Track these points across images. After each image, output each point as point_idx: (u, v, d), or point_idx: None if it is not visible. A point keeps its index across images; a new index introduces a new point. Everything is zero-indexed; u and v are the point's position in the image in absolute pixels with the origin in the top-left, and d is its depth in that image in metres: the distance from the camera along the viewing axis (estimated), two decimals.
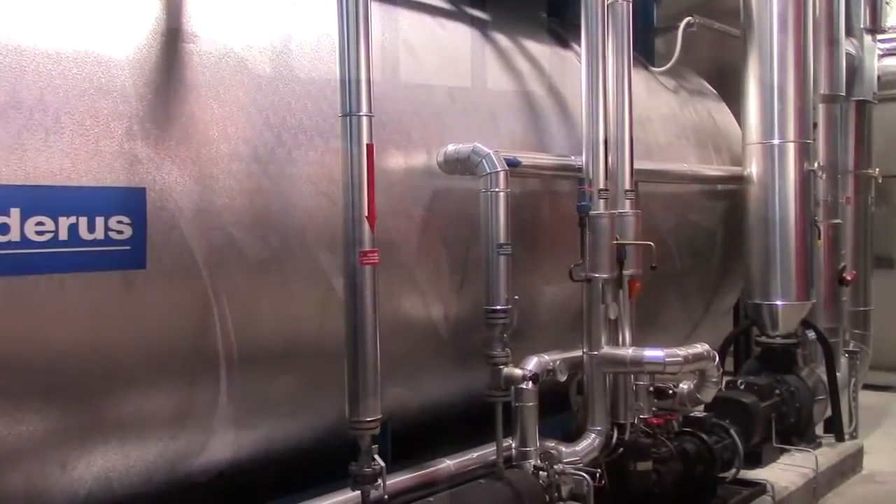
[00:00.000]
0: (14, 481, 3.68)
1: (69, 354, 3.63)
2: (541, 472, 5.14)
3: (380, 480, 4.24)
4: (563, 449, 5.54)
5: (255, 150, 4.25)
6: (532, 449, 5.27)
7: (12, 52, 3.49)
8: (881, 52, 10.00)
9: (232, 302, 4.14)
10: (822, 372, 8.09)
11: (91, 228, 3.58)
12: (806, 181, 7.67)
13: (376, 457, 4.21)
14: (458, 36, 6.03)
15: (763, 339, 7.85)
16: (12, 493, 3.69)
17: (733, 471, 6.41)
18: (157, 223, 3.81)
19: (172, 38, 4.07)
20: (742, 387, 7.26)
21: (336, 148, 4.31)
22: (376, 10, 4.63)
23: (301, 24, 4.78)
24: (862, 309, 9.36)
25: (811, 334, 8.07)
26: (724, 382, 6.58)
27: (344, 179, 4.17)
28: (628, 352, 5.80)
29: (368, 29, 4.18)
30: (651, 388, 6.04)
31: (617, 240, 5.79)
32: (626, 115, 6.15)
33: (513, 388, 5.17)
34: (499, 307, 5.05)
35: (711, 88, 9.12)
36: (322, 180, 4.49)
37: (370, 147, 4.16)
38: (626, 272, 5.84)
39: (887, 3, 10.03)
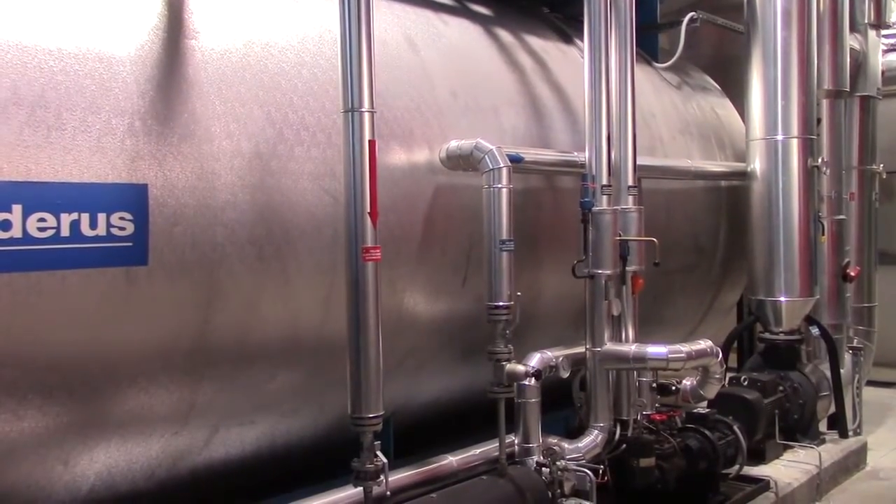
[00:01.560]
0: (17, 477, 3.69)
1: (71, 351, 3.63)
2: (543, 469, 5.13)
3: (382, 477, 4.24)
4: (566, 445, 5.54)
5: (257, 147, 4.24)
6: (535, 445, 5.27)
7: (14, 49, 3.49)
8: (885, 48, 9.93)
9: (234, 298, 4.15)
10: (825, 368, 8.07)
11: (93, 225, 3.58)
12: (809, 177, 7.65)
13: (378, 453, 4.21)
14: (460, 31, 6.02)
15: (767, 335, 7.83)
16: (15, 488, 3.69)
17: (736, 467, 6.39)
18: (160, 219, 3.81)
19: (174, 34, 4.07)
20: (745, 383, 7.24)
21: (338, 144, 4.30)
22: (378, 6, 4.62)
23: (303, 19, 4.77)
24: (866, 305, 9.32)
25: (815, 331, 8.04)
26: (727, 379, 6.56)
27: (346, 176, 4.16)
28: (631, 348, 5.80)
29: (370, 25, 4.18)
30: (654, 385, 6.04)
31: (620, 236, 5.78)
32: (629, 110, 6.15)
33: (515, 384, 5.17)
34: (501, 303, 5.04)
35: (715, 84, 9.11)
36: (324, 177, 4.49)
37: (372, 143, 4.15)
38: (629, 268, 5.85)
39: None
